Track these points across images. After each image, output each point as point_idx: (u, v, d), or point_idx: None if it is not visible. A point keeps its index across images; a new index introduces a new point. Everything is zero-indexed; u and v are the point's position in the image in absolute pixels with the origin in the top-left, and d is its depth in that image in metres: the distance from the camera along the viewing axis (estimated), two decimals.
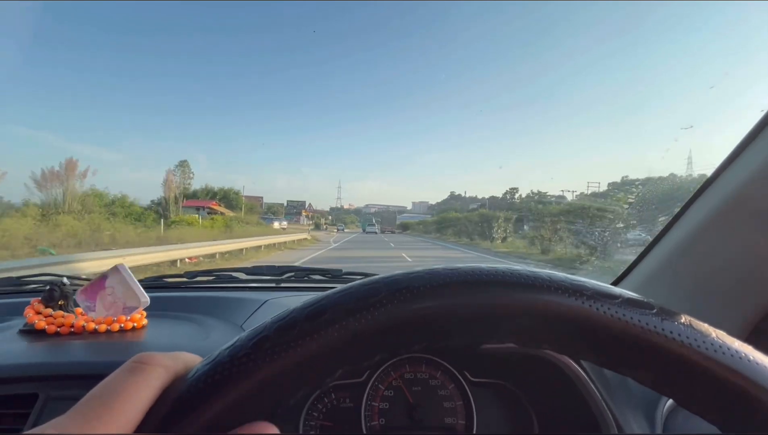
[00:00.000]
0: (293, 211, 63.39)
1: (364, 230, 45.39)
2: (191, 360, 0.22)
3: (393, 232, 48.57)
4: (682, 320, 0.20)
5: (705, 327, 0.20)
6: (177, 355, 0.22)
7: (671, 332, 0.20)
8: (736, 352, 0.20)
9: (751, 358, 0.19)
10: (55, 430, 0.16)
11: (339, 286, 0.22)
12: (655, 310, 0.20)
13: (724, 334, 0.20)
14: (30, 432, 0.17)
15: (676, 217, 0.62)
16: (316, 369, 0.20)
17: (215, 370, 0.20)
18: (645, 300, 0.21)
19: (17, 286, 0.94)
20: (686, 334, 0.20)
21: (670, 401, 0.54)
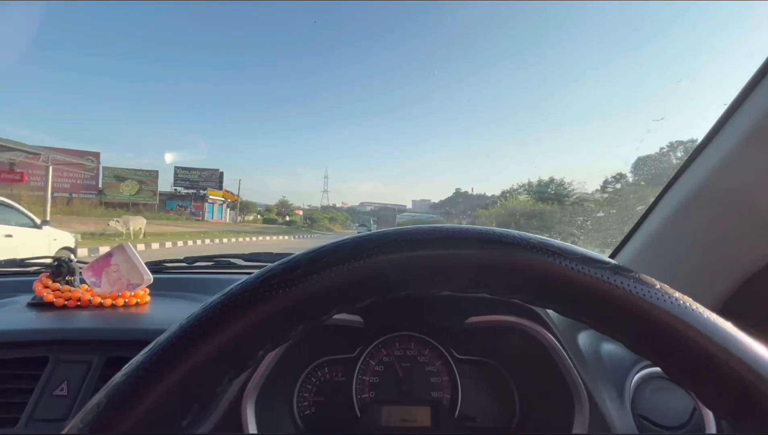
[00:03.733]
0: (191, 194, 29.81)
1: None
2: None
3: None
4: (632, 274, 0.24)
5: (651, 280, 0.24)
6: None
7: (621, 283, 0.23)
8: (676, 300, 0.23)
9: (688, 305, 0.23)
10: None
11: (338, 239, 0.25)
12: (609, 266, 0.24)
13: (667, 286, 0.24)
14: None
15: (660, 197, 0.66)
16: (315, 305, 0.23)
17: (228, 301, 0.22)
18: (601, 258, 0.24)
19: (21, 267, 0.97)
20: (633, 285, 0.23)
21: (639, 374, 0.58)
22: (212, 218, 30.75)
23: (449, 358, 0.68)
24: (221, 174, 31.31)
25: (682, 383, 0.23)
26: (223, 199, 32.18)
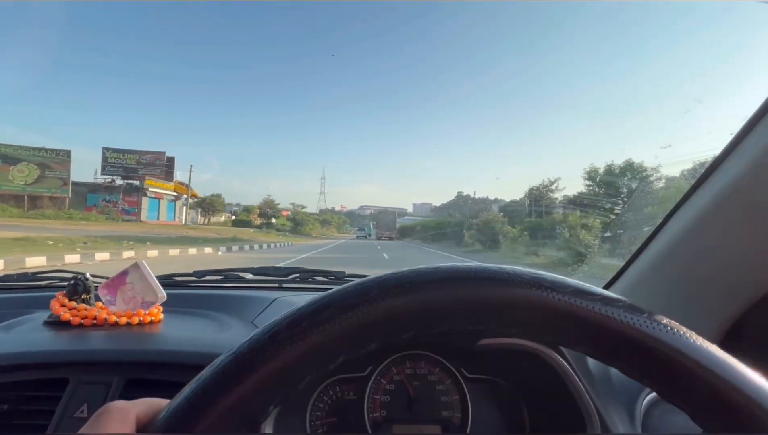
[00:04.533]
0: (122, 185, 20.43)
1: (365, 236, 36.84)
2: (155, 403, 0.25)
3: (392, 239, 38.37)
4: (644, 313, 0.24)
5: (659, 317, 0.25)
6: (141, 402, 0.24)
7: (631, 320, 0.24)
8: (682, 335, 0.24)
9: (693, 340, 0.24)
10: None
11: (338, 287, 0.26)
12: (622, 304, 0.25)
13: (676, 323, 0.25)
14: None
15: (660, 226, 0.67)
16: (322, 356, 0.24)
17: (236, 361, 0.23)
18: (613, 296, 0.25)
19: (32, 282, 0.98)
20: (645, 324, 0.24)
21: (649, 396, 0.59)
22: (157, 218, 21.82)
23: (459, 377, 0.69)
24: (171, 160, 21.53)
25: (686, 411, 0.24)
26: (175, 193, 22.71)
